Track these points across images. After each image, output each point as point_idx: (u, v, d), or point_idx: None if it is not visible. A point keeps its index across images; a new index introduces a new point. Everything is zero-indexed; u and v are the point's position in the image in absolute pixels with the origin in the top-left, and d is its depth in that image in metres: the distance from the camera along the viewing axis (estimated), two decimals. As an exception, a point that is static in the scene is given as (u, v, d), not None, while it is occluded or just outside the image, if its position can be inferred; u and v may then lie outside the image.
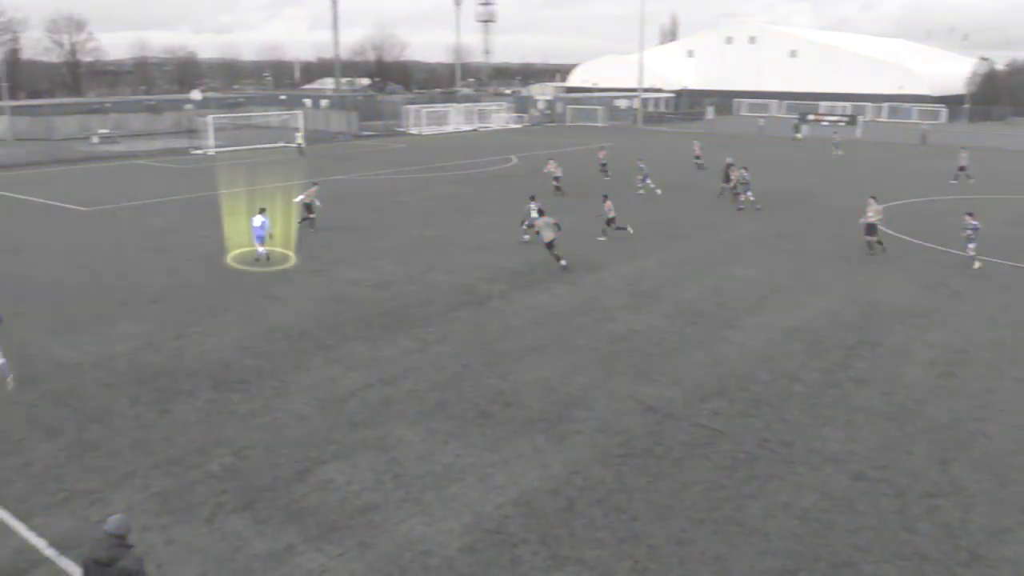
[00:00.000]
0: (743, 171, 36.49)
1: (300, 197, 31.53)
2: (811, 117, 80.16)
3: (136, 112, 79.12)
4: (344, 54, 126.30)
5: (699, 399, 15.43)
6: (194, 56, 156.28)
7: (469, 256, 26.71)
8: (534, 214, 27.31)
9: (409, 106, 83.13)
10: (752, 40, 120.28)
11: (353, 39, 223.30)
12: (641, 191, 40.05)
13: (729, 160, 39.39)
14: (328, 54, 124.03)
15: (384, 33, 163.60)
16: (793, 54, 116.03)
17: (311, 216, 30.96)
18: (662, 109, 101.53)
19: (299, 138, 60.00)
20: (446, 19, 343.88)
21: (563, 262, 24.90)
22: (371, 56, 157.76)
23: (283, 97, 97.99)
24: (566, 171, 42.34)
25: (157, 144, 65.78)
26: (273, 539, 10.95)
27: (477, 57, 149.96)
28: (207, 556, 10.60)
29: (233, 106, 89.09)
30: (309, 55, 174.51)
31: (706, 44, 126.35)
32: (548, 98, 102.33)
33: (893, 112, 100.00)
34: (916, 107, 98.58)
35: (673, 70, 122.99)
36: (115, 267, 25.75)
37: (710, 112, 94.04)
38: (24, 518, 11.46)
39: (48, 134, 67.59)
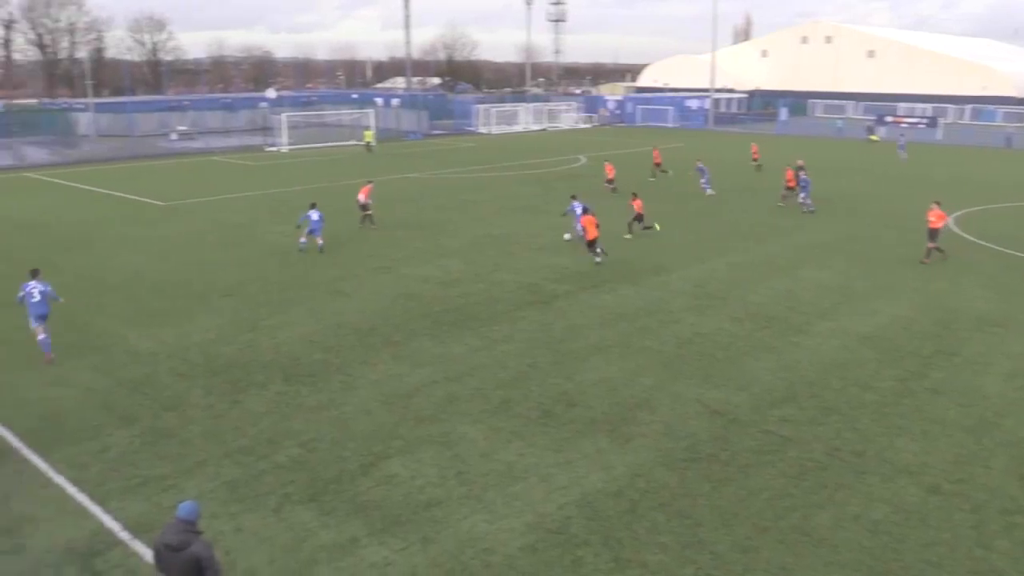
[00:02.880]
0: (801, 173, 35.72)
1: (360, 195, 31.82)
2: (889, 119, 78.07)
3: (213, 110, 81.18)
4: (415, 53, 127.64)
5: (767, 405, 15.17)
6: (270, 55, 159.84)
7: (535, 256, 26.73)
8: (579, 211, 27.49)
9: (479, 105, 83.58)
10: (828, 40, 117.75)
11: (425, 39, 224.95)
12: (710, 192, 39.69)
13: (799, 163, 38.62)
14: (400, 53, 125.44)
15: (455, 33, 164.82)
16: (871, 54, 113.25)
17: (368, 213, 31.38)
18: (734, 110, 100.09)
19: (368, 136, 61.03)
20: (517, 19, 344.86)
21: (598, 259, 25.30)
22: (442, 55, 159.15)
23: (355, 96, 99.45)
24: (631, 171, 42.07)
25: (232, 141, 67.42)
26: (338, 531, 11.13)
27: (547, 56, 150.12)
28: (274, 545, 10.82)
29: (306, 104, 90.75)
30: (381, 54, 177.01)
31: (781, 44, 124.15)
32: (618, 98, 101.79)
33: (976, 114, 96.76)
34: (1001, 109, 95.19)
35: (746, 70, 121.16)
36: (191, 260, 26.47)
37: (783, 113, 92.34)
38: (101, 501, 11.87)
39: (129, 130, 69.84)
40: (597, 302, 21.56)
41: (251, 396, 15.61)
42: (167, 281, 23.94)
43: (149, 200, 38.75)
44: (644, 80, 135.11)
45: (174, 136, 69.34)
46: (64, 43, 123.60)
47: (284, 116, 64.71)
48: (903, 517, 11.44)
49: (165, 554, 8.22)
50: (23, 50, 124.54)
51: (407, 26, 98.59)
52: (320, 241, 27.41)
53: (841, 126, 78.50)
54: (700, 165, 40.74)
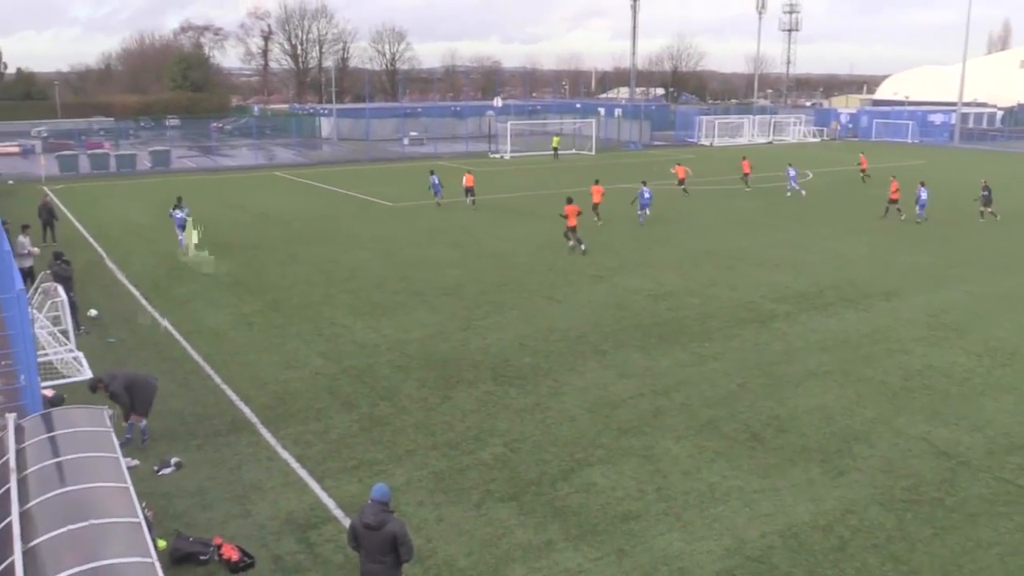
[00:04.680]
0: (920, 186, 35.12)
1: (465, 182, 39.68)
2: None
3: (443, 117, 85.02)
4: (641, 64, 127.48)
5: (1005, 450, 13.84)
6: (499, 65, 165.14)
7: (754, 273, 25.93)
8: (647, 196, 34.50)
9: (701, 117, 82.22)
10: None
11: (651, 49, 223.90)
12: (789, 193, 42.41)
13: (983, 181, 36.12)
14: (625, 64, 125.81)
15: (682, 43, 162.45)
16: None
17: (472, 197, 39.35)
18: (984, 126, 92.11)
19: (556, 142, 63.05)
20: (748, 28, 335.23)
21: (571, 244, 28.49)
22: (667, 66, 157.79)
23: (578, 105, 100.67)
24: (855, 190, 39.80)
25: (459, 147, 70.33)
26: (535, 532, 11.32)
27: (777, 67, 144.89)
28: (473, 538, 11.18)
29: (531, 113, 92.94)
30: (607, 65, 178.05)
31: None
32: (851, 111, 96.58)
33: None
34: None
35: (1002, 83, 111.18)
36: (414, 259, 27.89)
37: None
38: (319, 479, 12.78)
39: (366, 135, 74.58)
40: (818, 325, 20.59)
41: (461, 393, 16.23)
42: (390, 277, 25.35)
43: (379, 200, 41.24)
44: (882, 92, 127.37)
45: (406, 141, 73.29)
46: (313, 53, 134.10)
47: (508, 124, 66.72)
48: None
49: (364, 533, 8.82)
50: (278, 59, 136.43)
51: (633, 36, 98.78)
52: (439, 200, 38.70)
53: None
54: (790, 169, 43.58)
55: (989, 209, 35.08)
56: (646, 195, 34.54)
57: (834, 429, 14.61)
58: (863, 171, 48.55)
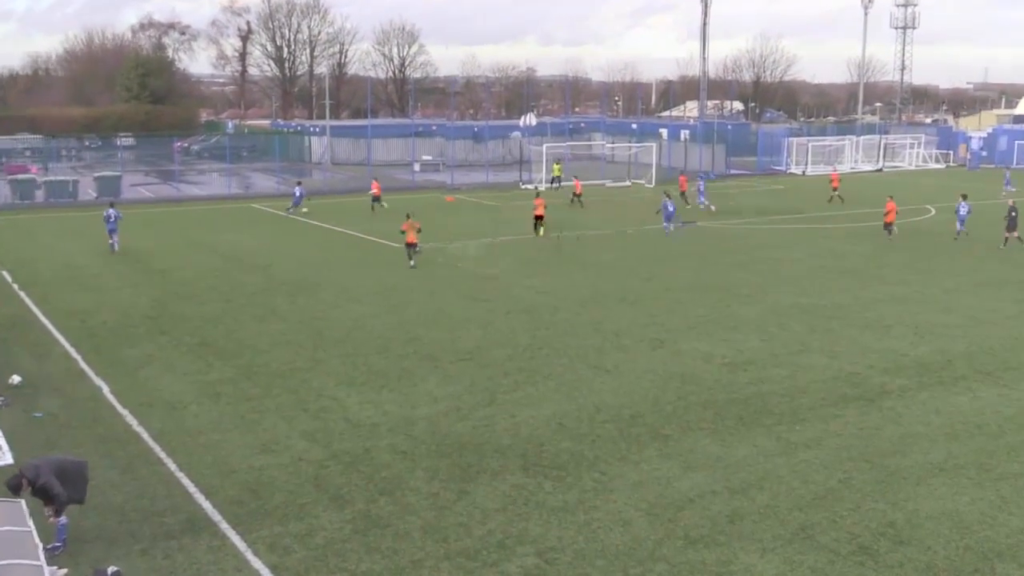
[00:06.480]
0: (961, 200, 40.71)
1: (373, 190, 51.75)
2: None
3: (463, 139, 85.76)
4: (714, 71, 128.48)
5: None
6: (532, 73, 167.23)
7: (859, 336, 25.72)
8: (671, 209, 42.34)
9: (791, 138, 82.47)
10: None
11: (727, 53, 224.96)
12: (701, 207, 51.22)
13: (1011, 202, 40.67)
14: (694, 71, 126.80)
15: (766, 46, 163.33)
16: None
17: (377, 202, 51.19)
18: None
19: (557, 170, 65.08)
20: (850, 27, 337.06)
21: (412, 262, 34.83)
22: (747, 75, 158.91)
23: (634, 126, 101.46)
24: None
25: (482, 175, 70.92)
26: (577, 671, 11.09)
27: (888, 75, 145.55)
28: None
29: (573, 132, 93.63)
30: (670, 73, 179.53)
31: None
32: (983, 134, 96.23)
33: None
34: None
35: None
36: (425, 314, 27.98)
37: None
38: (300, 596, 12.65)
39: (367, 159, 75.52)
40: (945, 405, 20.32)
41: (482, 486, 16.09)
42: (395, 338, 25.40)
43: (383, 241, 41.56)
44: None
45: (417, 167, 74.11)
46: (303, 57, 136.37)
47: (544, 147, 67.29)
48: None
49: None
50: (259, 64, 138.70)
51: (703, 37, 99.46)
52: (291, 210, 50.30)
53: None
54: (700, 181, 54.45)
55: (1015, 234, 39.05)
56: (670, 208, 42.44)
57: (969, 542, 14.31)
58: (834, 190, 55.95)
